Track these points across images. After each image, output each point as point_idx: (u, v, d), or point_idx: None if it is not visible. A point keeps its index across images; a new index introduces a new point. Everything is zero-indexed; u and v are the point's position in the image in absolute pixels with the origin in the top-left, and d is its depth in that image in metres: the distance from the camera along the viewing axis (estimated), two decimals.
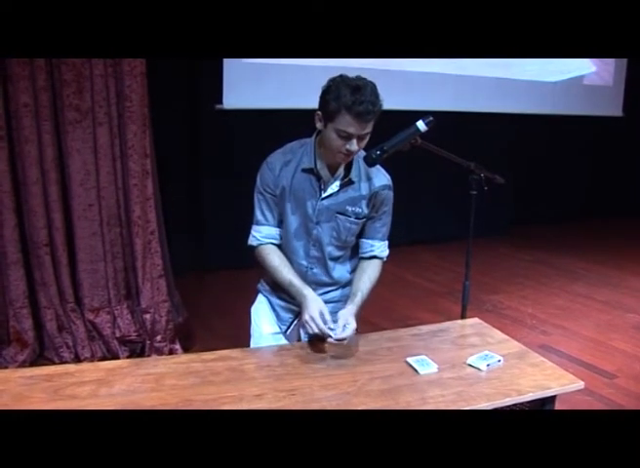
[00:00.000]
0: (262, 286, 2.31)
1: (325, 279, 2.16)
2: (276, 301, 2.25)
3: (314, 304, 1.95)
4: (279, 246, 2.13)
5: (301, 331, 2.24)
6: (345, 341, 1.95)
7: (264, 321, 2.28)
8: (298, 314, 2.17)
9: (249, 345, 2.28)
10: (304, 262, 2.12)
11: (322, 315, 1.94)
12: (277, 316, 2.27)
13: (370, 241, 2.16)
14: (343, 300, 2.18)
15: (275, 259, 2.08)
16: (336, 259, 2.14)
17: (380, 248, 2.17)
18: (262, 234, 2.10)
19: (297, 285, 2.02)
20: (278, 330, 2.27)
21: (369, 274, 2.14)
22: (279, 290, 2.18)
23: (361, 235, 2.16)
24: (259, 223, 2.10)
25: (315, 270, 2.13)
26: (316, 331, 1.94)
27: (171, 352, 3.59)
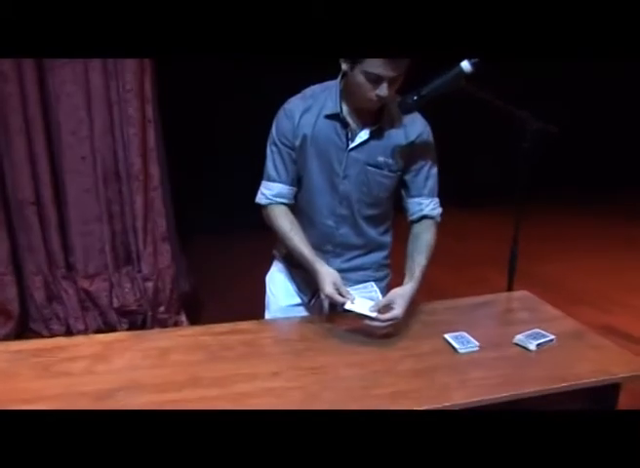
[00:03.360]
0: (279, 252, 2.32)
1: (354, 240, 2.16)
2: (296, 270, 2.26)
3: (327, 279, 1.96)
4: (291, 206, 2.13)
5: (324, 303, 2.25)
6: (379, 326, 1.92)
7: (282, 291, 2.31)
8: None
9: (263, 317, 2.33)
10: (330, 222, 2.12)
11: (338, 288, 1.94)
12: (297, 286, 2.30)
13: (416, 199, 2.14)
14: (374, 268, 2.20)
15: (285, 224, 2.08)
16: (367, 219, 2.14)
17: (430, 205, 2.14)
18: (273, 192, 2.09)
19: (308, 257, 2.02)
20: (298, 301, 2.30)
21: (424, 240, 2.10)
22: None
23: (406, 195, 2.16)
24: (270, 179, 2.10)
25: (343, 230, 2.13)
26: (339, 308, 1.97)
27: (176, 324, 3.66)
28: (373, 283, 2.04)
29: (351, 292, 1.96)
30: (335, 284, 1.94)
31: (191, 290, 3.93)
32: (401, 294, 1.94)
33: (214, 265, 4.59)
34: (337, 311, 2.09)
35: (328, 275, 1.97)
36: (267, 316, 2.33)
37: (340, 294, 1.93)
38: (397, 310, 1.90)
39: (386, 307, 1.92)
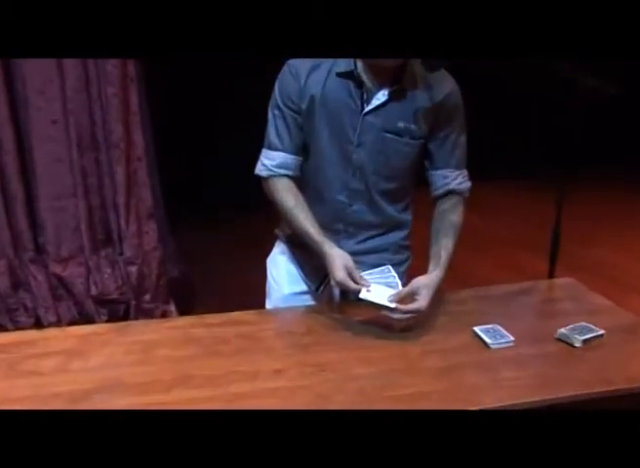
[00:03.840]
0: (282, 231, 2.34)
1: (369, 219, 2.17)
2: (301, 253, 2.27)
3: (338, 262, 1.96)
4: (296, 179, 2.14)
5: (335, 291, 2.24)
6: (400, 318, 1.93)
7: (285, 277, 2.33)
8: None
9: (264, 307, 2.36)
10: (342, 197, 2.12)
11: (350, 273, 1.95)
12: (303, 271, 2.31)
13: (442, 171, 2.15)
14: (392, 250, 2.22)
15: (289, 199, 2.09)
16: (384, 193, 2.14)
17: (457, 179, 2.16)
18: (275, 162, 2.10)
19: (315, 238, 2.03)
20: (304, 288, 2.32)
21: (450, 220, 2.12)
22: None
23: (430, 167, 2.16)
24: (271, 147, 2.11)
25: (356, 207, 2.14)
26: (352, 297, 2.00)
27: (164, 315, 3.69)
28: (390, 267, 2.05)
29: (366, 277, 1.97)
30: (347, 268, 1.95)
31: (181, 275, 3.96)
32: (426, 284, 1.95)
33: (207, 247, 4.61)
34: (349, 300, 2.10)
35: (339, 258, 1.97)
36: (268, 305, 2.35)
37: (353, 281, 1.94)
38: (421, 301, 1.91)
39: (408, 297, 1.92)
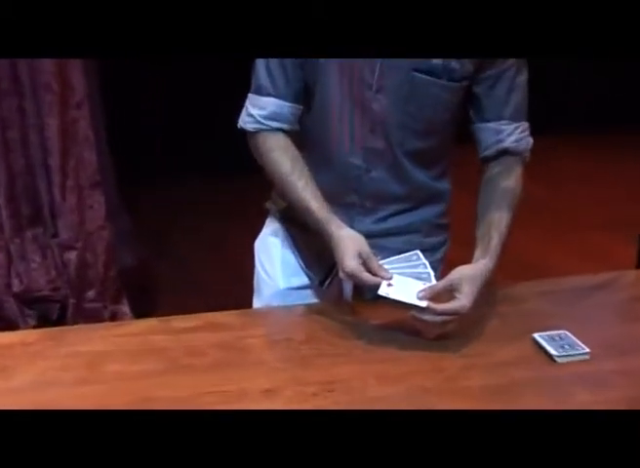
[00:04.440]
0: (275, 205, 2.35)
1: (393, 189, 2.17)
2: (301, 234, 2.28)
3: (350, 248, 1.95)
4: (294, 135, 2.14)
5: (345, 285, 2.29)
6: (433, 321, 1.91)
7: (280, 267, 2.34)
8: None
9: (251, 306, 2.37)
10: (357, 160, 2.12)
11: (365, 262, 1.93)
12: (303, 259, 2.33)
13: (492, 124, 2.15)
14: (423, 231, 2.24)
15: (284, 162, 2.09)
16: (413, 155, 2.13)
17: (515, 134, 2.15)
18: (266, 112, 2.11)
19: (318, 214, 2.02)
20: (305, 281, 2.33)
21: (504, 191, 2.12)
22: None
23: (477, 118, 2.17)
24: (261, 92, 2.11)
25: (375, 173, 2.13)
26: (367, 294, 2.04)
27: (114, 318, 3.70)
28: (419, 253, 2.03)
29: (387, 267, 1.96)
30: (361, 255, 1.94)
31: (138, 264, 3.97)
32: (470, 276, 1.93)
33: (174, 227, 4.62)
34: (364, 298, 2.12)
35: (350, 241, 1.96)
36: (257, 304, 2.36)
37: (370, 272, 1.92)
38: (463, 299, 1.89)
39: (445, 294, 1.91)
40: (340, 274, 1.97)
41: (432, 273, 1.97)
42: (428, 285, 1.92)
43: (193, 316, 2.08)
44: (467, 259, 1.99)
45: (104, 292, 3.70)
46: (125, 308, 3.75)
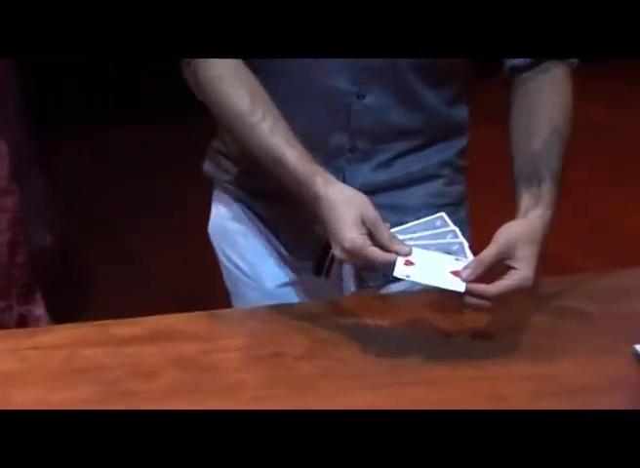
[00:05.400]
0: (220, 170, 2.10)
1: (396, 119, 1.90)
2: (273, 206, 2.02)
3: (347, 211, 1.65)
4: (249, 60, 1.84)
5: (344, 270, 2.02)
6: (481, 304, 1.58)
7: (256, 261, 2.11)
8: None
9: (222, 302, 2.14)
10: (345, 83, 1.86)
11: (370, 232, 1.61)
12: (282, 242, 2.06)
13: None
14: (445, 179, 2.00)
15: (240, 96, 1.80)
16: (421, 71, 1.88)
17: None
18: None
19: (295, 167, 1.70)
20: (292, 275, 2.09)
21: (548, 110, 1.83)
22: None
23: None
24: None
25: (371, 99, 1.87)
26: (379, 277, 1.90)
27: (23, 323, 3.33)
28: (444, 216, 1.73)
29: (402, 237, 1.64)
30: (364, 222, 1.62)
31: (58, 245, 3.60)
32: (525, 236, 1.63)
33: (111, 192, 4.29)
34: (373, 284, 1.96)
35: (348, 204, 1.66)
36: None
37: (378, 245, 1.60)
38: (524, 269, 1.58)
39: (494, 267, 1.60)
40: (337, 252, 1.66)
41: (466, 242, 1.67)
42: (464, 259, 1.61)
43: (140, 319, 1.76)
44: (490, 216, 1.79)
45: (9, 286, 3.30)
46: (39, 310, 3.39)
